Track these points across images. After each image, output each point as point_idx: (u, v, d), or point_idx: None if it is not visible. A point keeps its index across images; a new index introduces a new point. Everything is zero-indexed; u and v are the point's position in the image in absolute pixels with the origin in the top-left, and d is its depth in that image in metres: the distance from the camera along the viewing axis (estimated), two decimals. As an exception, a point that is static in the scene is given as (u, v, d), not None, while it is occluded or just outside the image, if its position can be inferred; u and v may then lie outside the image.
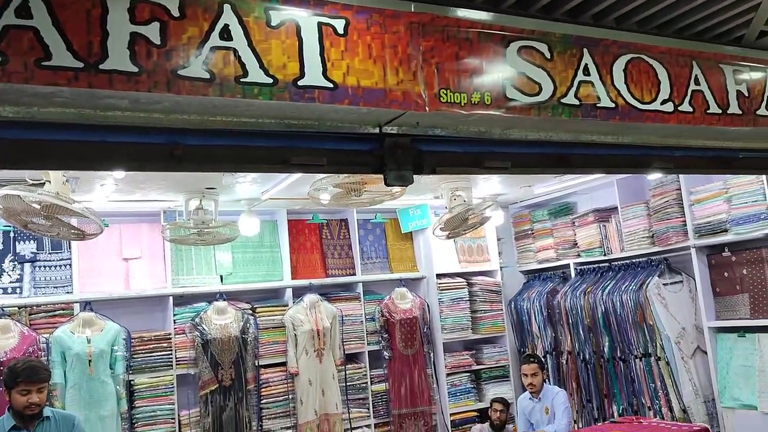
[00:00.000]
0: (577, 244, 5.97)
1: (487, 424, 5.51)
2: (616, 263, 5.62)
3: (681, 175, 4.95)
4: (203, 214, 4.42)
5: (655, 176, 5.04)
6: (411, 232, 6.19)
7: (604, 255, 5.70)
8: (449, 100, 2.30)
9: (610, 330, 5.38)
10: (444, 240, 5.63)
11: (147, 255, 5.07)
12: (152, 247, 5.09)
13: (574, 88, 2.55)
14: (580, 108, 2.56)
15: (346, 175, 3.58)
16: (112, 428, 4.46)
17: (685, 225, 4.99)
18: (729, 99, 2.93)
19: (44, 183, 3.38)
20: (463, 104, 2.33)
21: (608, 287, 5.45)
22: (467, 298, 6.11)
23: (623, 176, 5.33)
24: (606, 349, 5.41)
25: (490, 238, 6.36)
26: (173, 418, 4.81)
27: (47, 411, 3.24)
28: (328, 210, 5.80)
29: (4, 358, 4.20)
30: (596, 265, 5.79)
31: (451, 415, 5.82)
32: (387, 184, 2.58)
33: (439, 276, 6.03)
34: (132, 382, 4.73)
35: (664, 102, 2.74)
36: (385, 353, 5.72)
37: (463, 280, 6.16)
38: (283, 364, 5.28)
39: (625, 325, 5.25)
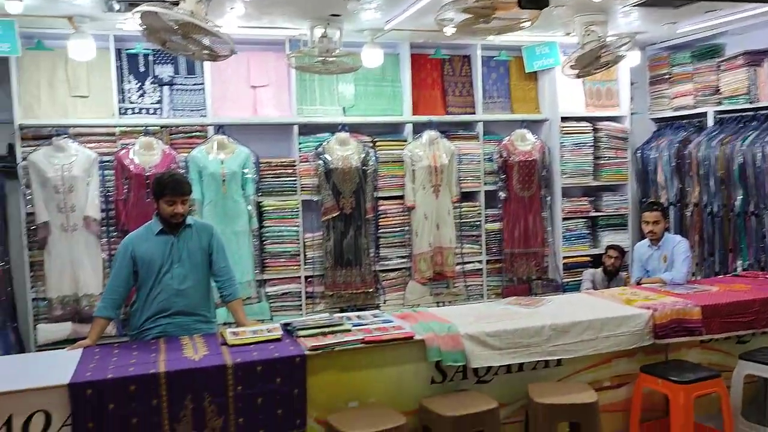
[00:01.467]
0: (719, 90, 5.49)
1: (600, 270, 5.51)
2: (762, 112, 5.14)
3: None
4: (327, 42, 4.41)
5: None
6: (536, 73, 5.92)
7: (750, 103, 5.22)
8: None
9: (746, 183, 5.05)
10: (572, 80, 5.36)
11: (273, 83, 5.20)
12: (278, 76, 5.20)
13: None
14: None
15: (476, -2, 3.39)
16: (245, 243, 4.86)
17: None
18: None
19: (179, 2, 3.46)
20: None
21: (750, 138, 5.04)
22: (591, 144, 5.89)
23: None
24: (738, 203, 5.12)
25: (623, 81, 5.98)
26: (298, 239, 5.16)
27: (189, 220, 3.52)
28: (451, 45, 5.62)
29: (150, 173, 4.59)
30: (739, 114, 5.33)
31: (563, 258, 5.86)
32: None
33: (563, 119, 5.81)
34: (261, 204, 5.06)
35: None
36: (501, 194, 5.73)
37: (588, 124, 5.91)
38: (401, 197, 5.44)
39: (764, 178, 4.91)
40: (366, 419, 2.92)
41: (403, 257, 5.47)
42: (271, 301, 5.10)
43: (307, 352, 3.02)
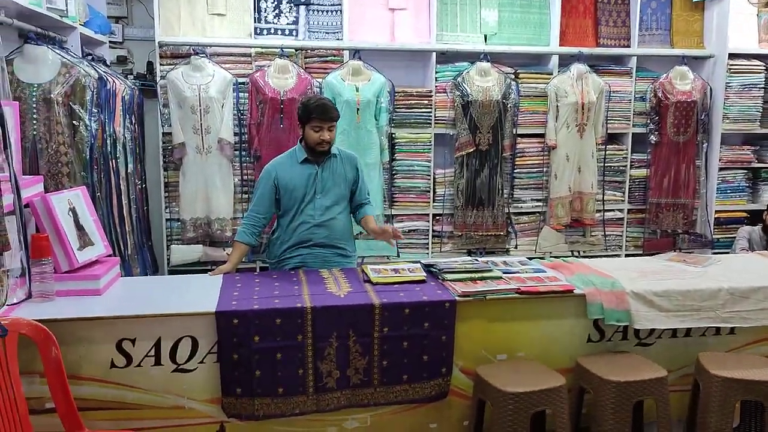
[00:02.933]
0: None
1: (758, 228, 4.92)
2: None
3: None
4: (480, -41, 4.00)
5: None
6: (703, 2, 5.23)
7: None
8: None
9: None
10: (745, 12, 4.69)
11: (412, 7, 4.85)
12: (418, -2, 4.85)
13: None
14: None
15: None
16: (375, 175, 4.65)
17: None
18: None
19: None
20: None
21: None
22: (762, 85, 5.19)
23: None
24: None
25: (808, 14, 5.18)
26: (428, 175, 4.91)
27: (334, 149, 3.35)
28: (609, -32, 5.03)
29: (285, 97, 4.43)
30: None
31: (716, 212, 5.29)
32: None
33: (731, 56, 5.12)
34: (393, 135, 4.82)
35: None
36: (651, 137, 5.19)
37: (761, 63, 5.19)
38: (541, 135, 5.03)
39: None
40: (520, 375, 2.69)
41: (538, 200, 5.10)
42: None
43: (457, 298, 2.79)
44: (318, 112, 3.17)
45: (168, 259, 4.61)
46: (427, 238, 4.97)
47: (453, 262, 3.19)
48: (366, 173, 4.45)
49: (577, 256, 5.20)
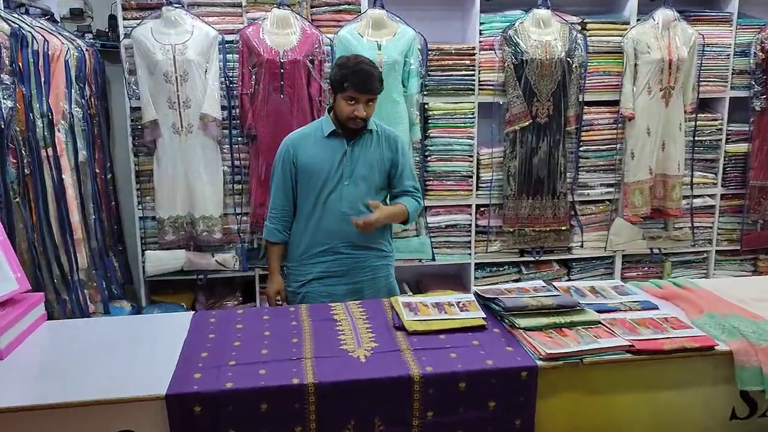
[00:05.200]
0: None
1: None
2: None
3: None
4: None
5: None
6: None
7: None
8: None
9: None
10: None
11: (450, -62, 3.83)
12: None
13: None
14: None
15: None
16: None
17: None
18: None
19: None
20: None
21: None
22: None
23: None
24: None
25: None
26: (471, 155, 3.93)
27: (371, 124, 2.63)
28: None
29: (285, 59, 3.46)
30: None
31: (835, 197, 4.26)
32: None
33: None
34: (426, 106, 3.84)
35: None
36: (755, 103, 4.12)
37: None
38: (615, 103, 3.99)
39: None
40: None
41: (609, 185, 4.10)
42: (432, 235, 3.96)
43: (539, 363, 1.85)
44: (355, 80, 2.48)
45: (143, 268, 3.71)
46: (469, 236, 4.02)
47: (521, 296, 2.24)
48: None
49: (657, 255, 4.22)
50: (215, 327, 2.13)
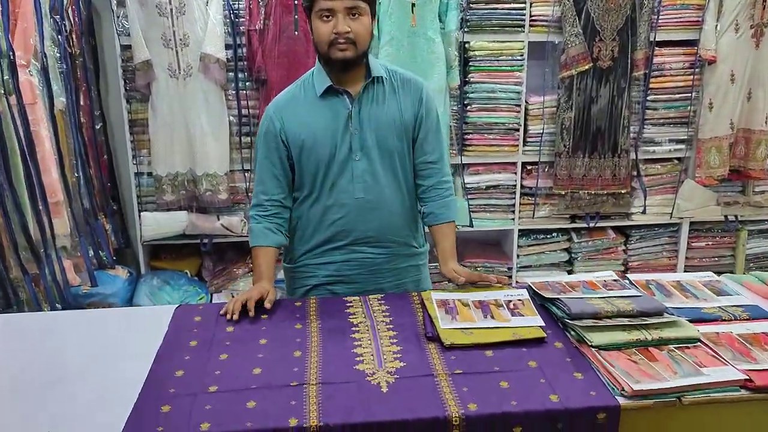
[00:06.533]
0: None
1: None
2: None
3: None
4: None
5: None
6: None
7: None
8: None
9: None
10: None
11: None
12: None
13: None
14: None
15: None
16: (439, 106, 3.14)
17: None
18: None
19: None
20: None
21: None
22: None
23: None
24: None
25: None
26: (518, 105, 3.39)
27: (378, 68, 1.92)
28: None
29: (300, -12, 2.93)
30: None
31: None
32: None
33: None
34: (467, 46, 3.28)
35: None
36: None
37: None
38: (693, 43, 3.38)
39: None
40: None
41: (680, 142, 3.53)
42: (470, 197, 3.47)
43: (623, 402, 1.39)
44: None
45: (140, 231, 3.30)
46: (513, 198, 3.52)
47: (589, 295, 1.76)
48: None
49: (732, 223, 3.68)
50: (199, 330, 1.70)
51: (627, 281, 1.92)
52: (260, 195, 1.98)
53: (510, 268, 3.63)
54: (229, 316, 1.76)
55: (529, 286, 1.88)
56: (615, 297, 1.74)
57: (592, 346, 1.54)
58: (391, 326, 1.71)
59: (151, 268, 3.48)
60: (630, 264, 3.70)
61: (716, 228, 3.73)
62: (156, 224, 3.22)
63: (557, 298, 1.73)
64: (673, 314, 1.66)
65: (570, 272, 3.68)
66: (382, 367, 1.51)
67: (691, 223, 3.68)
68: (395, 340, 1.63)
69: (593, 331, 1.58)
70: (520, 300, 1.80)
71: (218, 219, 3.24)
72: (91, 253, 2.93)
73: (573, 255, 3.65)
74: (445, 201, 2.03)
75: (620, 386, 1.40)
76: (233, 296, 3.39)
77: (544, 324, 1.68)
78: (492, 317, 1.71)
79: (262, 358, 1.56)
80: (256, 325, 1.73)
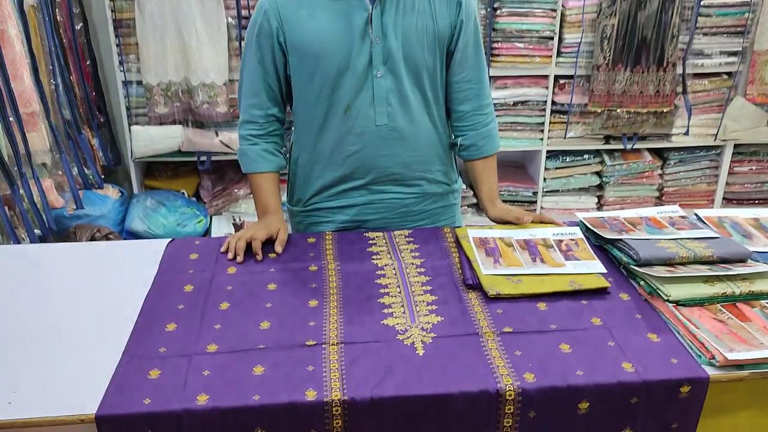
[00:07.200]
0: None
1: None
2: None
3: None
4: None
5: None
6: None
7: None
8: None
9: None
10: None
11: None
12: None
13: None
14: None
15: None
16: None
17: None
18: None
19: None
20: None
21: None
22: None
23: None
24: None
25: None
26: (554, 9, 3.01)
27: None
28: None
29: None
30: None
31: None
32: None
33: None
34: (499, -62, 2.88)
35: None
36: None
37: None
38: (758, -61, 2.99)
39: None
40: None
41: (731, 54, 3.17)
42: (496, 113, 3.13)
43: (711, 373, 1.14)
44: None
45: (130, 148, 3.00)
46: (543, 116, 3.20)
47: (656, 235, 1.50)
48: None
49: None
50: (195, 271, 1.45)
51: (695, 217, 1.65)
52: (252, 109, 1.63)
53: (535, 193, 3.36)
54: (230, 255, 1.50)
55: (582, 221, 1.61)
56: (687, 239, 1.47)
57: (668, 301, 1.29)
58: (422, 270, 1.45)
59: (145, 187, 3.21)
60: (665, 190, 3.42)
61: (762, 152, 3.42)
62: (148, 139, 2.92)
63: (620, 240, 1.47)
64: (758, 261, 1.40)
65: (600, 197, 3.41)
66: (416, 322, 1.26)
67: (735, 146, 3.37)
68: (428, 288, 1.38)
69: (669, 282, 1.32)
70: (572, 239, 1.54)
71: (217, 135, 2.94)
72: (76, 171, 2.64)
73: (604, 179, 3.36)
74: (487, 129, 1.72)
75: (709, 354, 1.15)
76: (234, 219, 3.16)
77: (605, 270, 1.42)
78: (542, 261, 1.45)
79: (272, 309, 1.31)
80: (263, 266, 1.47)
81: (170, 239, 1.59)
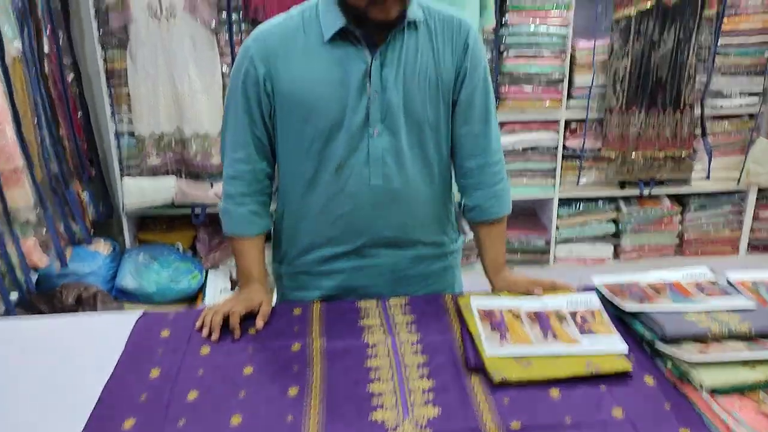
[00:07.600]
0: None
1: None
2: None
3: None
4: None
5: None
6: None
7: None
8: None
9: None
10: None
11: None
12: None
13: None
14: None
15: None
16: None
17: None
18: None
19: None
20: None
21: None
22: None
23: None
24: None
25: None
26: (563, 51, 2.89)
27: (414, 9, 1.37)
28: None
29: None
30: None
31: None
32: None
33: None
34: (504, -20, 2.78)
35: None
36: None
37: None
38: (775, -25, 2.87)
39: None
40: None
41: (752, 95, 3.04)
42: (505, 160, 3.00)
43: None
44: None
45: (122, 200, 2.88)
46: (554, 161, 3.05)
47: (683, 303, 1.33)
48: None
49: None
50: (165, 351, 1.29)
51: (727, 283, 1.48)
52: (239, 164, 1.47)
53: (547, 242, 3.19)
54: (205, 333, 1.35)
55: (597, 289, 1.45)
56: (719, 311, 1.30)
57: (703, 389, 1.12)
58: (418, 347, 1.29)
59: (139, 241, 3.09)
60: (686, 237, 3.24)
61: (788, 196, 3.26)
62: (140, 191, 2.80)
63: (643, 313, 1.30)
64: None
65: (617, 246, 3.24)
66: (409, 416, 1.09)
67: (759, 190, 3.20)
68: (426, 371, 1.21)
69: (703, 367, 1.14)
70: (589, 311, 1.37)
71: (211, 186, 2.82)
72: (62, 227, 2.52)
73: (621, 226, 3.19)
74: (494, 190, 1.54)
75: (753, 461, 0.98)
76: (232, 274, 3.01)
77: (626, 347, 1.25)
78: (554, 336, 1.29)
79: (245, 399, 1.15)
80: (241, 345, 1.32)
81: (142, 312, 1.45)
